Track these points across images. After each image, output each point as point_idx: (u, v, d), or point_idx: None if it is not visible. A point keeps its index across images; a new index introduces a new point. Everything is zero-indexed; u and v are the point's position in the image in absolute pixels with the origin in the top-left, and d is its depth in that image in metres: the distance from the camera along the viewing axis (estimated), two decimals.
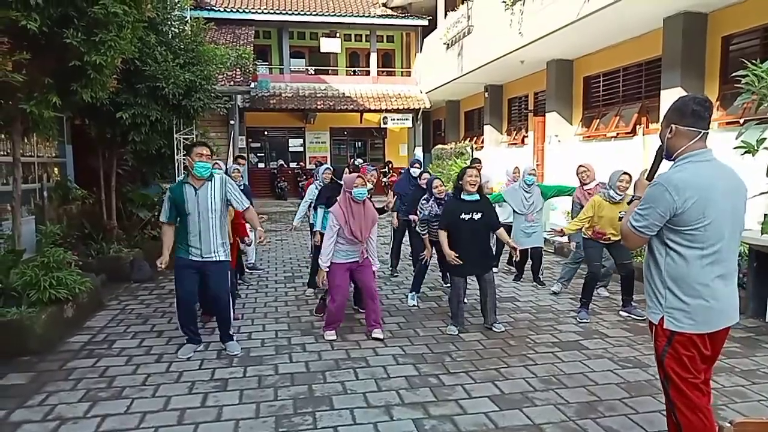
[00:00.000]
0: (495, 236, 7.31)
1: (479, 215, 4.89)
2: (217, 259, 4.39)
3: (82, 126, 7.78)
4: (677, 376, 2.40)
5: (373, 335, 4.81)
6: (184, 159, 4.39)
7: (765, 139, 4.60)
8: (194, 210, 4.29)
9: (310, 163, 19.53)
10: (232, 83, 12.97)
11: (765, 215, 4.87)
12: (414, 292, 6.11)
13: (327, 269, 4.71)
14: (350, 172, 5.18)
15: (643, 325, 5.15)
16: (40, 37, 4.58)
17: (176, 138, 8.45)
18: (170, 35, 7.81)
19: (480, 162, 7.95)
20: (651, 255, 2.47)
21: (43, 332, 4.58)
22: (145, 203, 8.80)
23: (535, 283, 6.88)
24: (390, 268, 7.54)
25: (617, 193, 5.28)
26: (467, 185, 4.91)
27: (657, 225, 2.34)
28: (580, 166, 6.31)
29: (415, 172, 7.19)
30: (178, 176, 8.48)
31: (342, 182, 4.90)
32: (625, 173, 5.29)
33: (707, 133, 2.40)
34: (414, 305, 5.94)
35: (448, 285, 6.42)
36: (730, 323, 2.42)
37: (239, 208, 4.59)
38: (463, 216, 4.86)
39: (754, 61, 4.83)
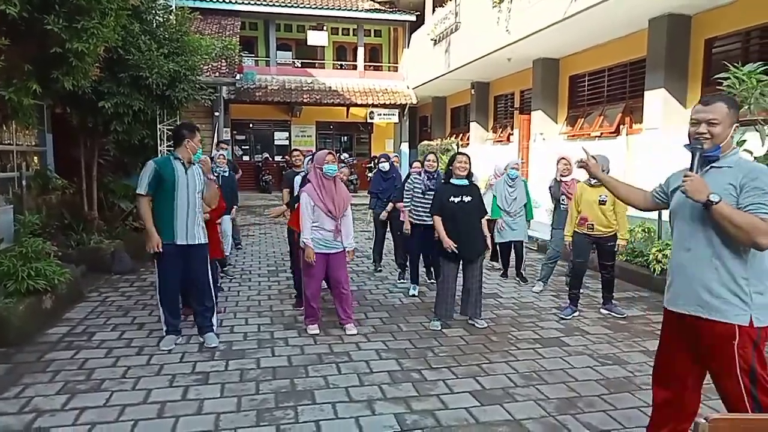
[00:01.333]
0: None
1: (469, 198, 4.97)
2: (199, 242, 4.39)
3: (64, 114, 7.65)
4: (763, 377, 2.26)
5: (347, 332, 4.80)
6: (185, 142, 4.29)
7: (745, 141, 4.68)
8: (183, 188, 4.24)
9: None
10: (217, 74, 12.83)
11: None
12: (414, 284, 6.22)
13: (312, 246, 4.64)
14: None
15: (623, 323, 5.22)
16: (20, 23, 4.48)
17: (159, 129, 8.35)
18: (154, 24, 7.70)
19: (464, 155, 7.96)
20: (723, 253, 2.30)
21: (21, 323, 4.50)
22: (127, 194, 8.68)
23: (517, 279, 6.96)
24: (373, 264, 7.55)
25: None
26: (457, 170, 4.99)
27: None
28: (563, 158, 6.35)
29: (385, 167, 7.23)
30: None
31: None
32: (591, 156, 5.34)
33: None
34: (413, 294, 6.05)
35: (432, 281, 6.45)
36: None
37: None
38: (452, 199, 4.93)
39: (735, 64, 4.91)
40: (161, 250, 4.23)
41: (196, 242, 4.37)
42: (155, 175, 4.22)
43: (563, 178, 6.26)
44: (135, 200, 4.38)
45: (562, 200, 6.29)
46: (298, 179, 6.36)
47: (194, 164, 4.39)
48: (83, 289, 6.00)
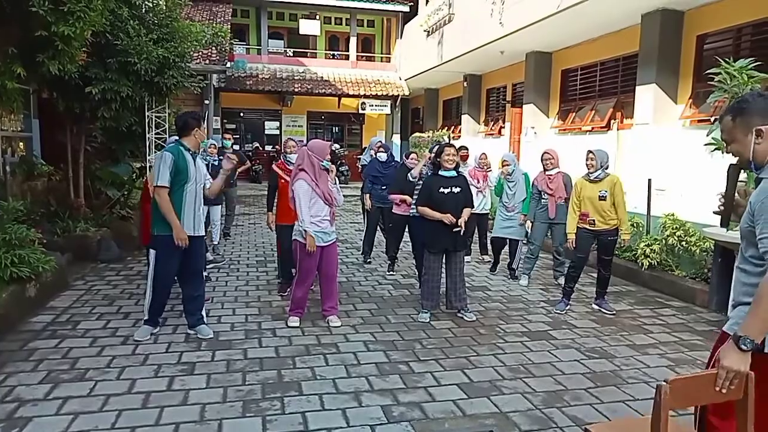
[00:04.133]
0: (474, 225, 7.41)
1: (458, 189, 4.99)
2: (200, 233, 4.36)
3: (50, 100, 7.52)
4: None
5: (331, 323, 4.79)
6: (194, 132, 4.22)
7: None
8: (193, 177, 4.20)
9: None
10: (207, 62, 12.68)
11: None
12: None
13: (313, 234, 4.57)
14: (331, 159, 5.03)
15: (610, 317, 5.25)
16: (4, 5, 4.40)
17: (148, 116, 8.24)
18: (143, 9, 7.57)
19: (467, 149, 7.95)
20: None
21: (4, 311, 4.44)
22: (114, 181, 8.58)
23: (508, 272, 6.97)
24: (362, 255, 7.52)
25: (589, 172, 5.33)
26: (446, 162, 4.99)
27: None
28: (545, 152, 6.37)
29: (382, 156, 7.15)
30: (149, 155, 8.29)
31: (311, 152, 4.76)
32: (589, 151, 5.36)
33: None
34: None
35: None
36: None
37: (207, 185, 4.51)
38: (442, 190, 4.94)
39: (727, 60, 4.92)
40: (187, 244, 4.14)
41: (200, 233, 4.35)
42: (174, 166, 4.10)
43: (547, 172, 6.28)
44: (155, 193, 4.13)
45: (543, 195, 6.31)
46: None
47: (198, 154, 4.35)
48: (68, 277, 5.93)
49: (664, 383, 1.76)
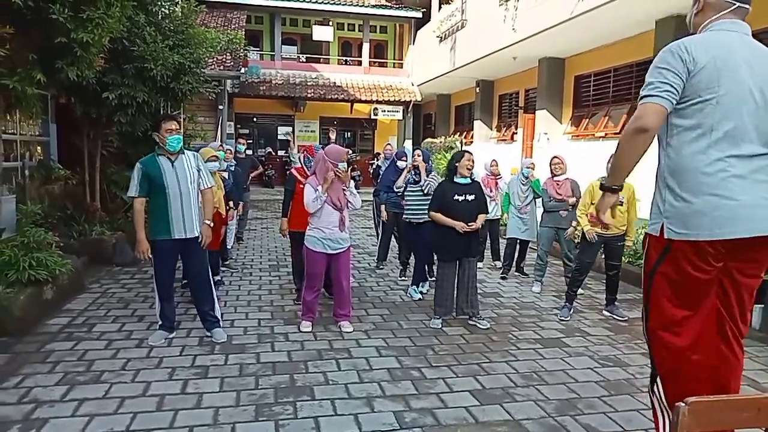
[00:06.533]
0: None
1: (472, 197, 4.97)
2: (198, 234, 4.34)
3: (67, 105, 7.63)
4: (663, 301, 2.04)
5: (343, 329, 4.78)
6: (154, 135, 4.28)
7: None
8: (173, 182, 4.20)
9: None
10: (222, 68, 12.83)
11: None
12: (415, 286, 6.06)
13: (318, 239, 4.65)
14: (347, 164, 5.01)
15: (624, 325, 5.21)
16: (25, 12, 4.48)
17: None
18: (160, 16, 7.66)
19: (471, 154, 7.99)
20: (658, 158, 2.09)
21: (21, 313, 4.50)
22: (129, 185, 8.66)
23: (517, 274, 7.09)
24: (376, 261, 7.52)
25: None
26: (463, 169, 4.98)
27: (670, 90, 1.92)
28: (554, 157, 6.39)
29: (402, 165, 7.14)
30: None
31: (326, 155, 4.75)
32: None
33: (745, 7, 1.99)
34: (419, 298, 5.91)
35: (434, 279, 6.42)
36: (761, 232, 1.90)
37: (203, 185, 4.42)
38: (456, 197, 4.92)
39: None
40: (149, 257, 4.26)
41: (196, 235, 4.33)
42: (143, 176, 4.19)
43: (556, 178, 6.26)
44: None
45: (550, 199, 6.30)
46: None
47: (182, 154, 4.29)
48: (84, 280, 6.00)
49: (683, 404, 1.66)
